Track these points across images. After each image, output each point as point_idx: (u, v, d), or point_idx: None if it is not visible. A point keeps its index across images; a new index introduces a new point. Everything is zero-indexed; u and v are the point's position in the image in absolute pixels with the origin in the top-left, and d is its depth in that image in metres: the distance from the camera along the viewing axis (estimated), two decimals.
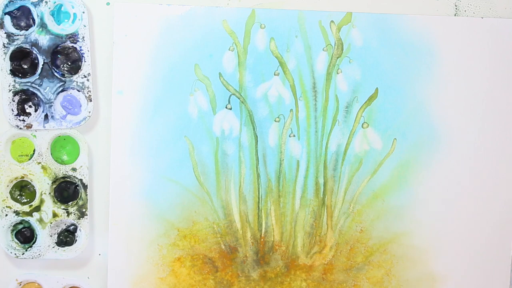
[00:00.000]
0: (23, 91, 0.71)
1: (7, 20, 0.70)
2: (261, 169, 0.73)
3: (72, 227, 0.73)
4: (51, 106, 0.71)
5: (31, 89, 0.71)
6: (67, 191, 0.73)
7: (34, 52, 0.71)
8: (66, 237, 0.73)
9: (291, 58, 0.72)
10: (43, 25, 0.71)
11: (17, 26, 0.71)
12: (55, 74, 0.71)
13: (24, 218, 0.72)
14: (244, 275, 0.74)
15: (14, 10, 0.71)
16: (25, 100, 0.72)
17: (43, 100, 0.71)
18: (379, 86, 0.72)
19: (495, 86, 0.73)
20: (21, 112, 0.72)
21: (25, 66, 0.72)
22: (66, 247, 0.73)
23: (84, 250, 0.72)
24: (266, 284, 0.74)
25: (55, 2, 0.71)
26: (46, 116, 0.71)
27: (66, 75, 0.72)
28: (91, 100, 0.71)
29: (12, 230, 0.73)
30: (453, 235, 0.74)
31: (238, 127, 0.72)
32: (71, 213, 0.72)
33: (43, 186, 0.72)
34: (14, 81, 0.71)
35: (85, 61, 0.71)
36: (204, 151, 0.72)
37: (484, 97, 0.73)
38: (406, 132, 0.73)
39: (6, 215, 0.72)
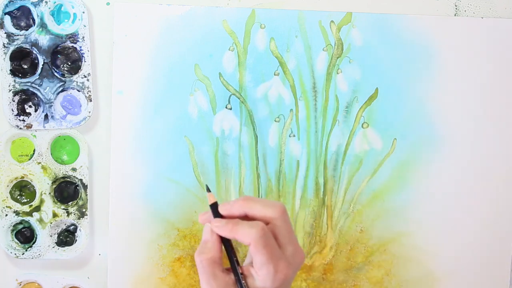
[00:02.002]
0: (23, 91, 0.71)
1: (7, 20, 0.71)
2: (261, 169, 0.73)
3: (72, 227, 0.73)
4: (51, 106, 0.71)
5: (31, 89, 0.71)
6: (67, 191, 0.73)
7: (34, 52, 0.71)
8: (66, 237, 0.73)
9: (291, 58, 0.72)
10: (43, 25, 0.71)
11: (17, 26, 0.71)
12: (55, 74, 0.71)
13: (24, 218, 0.72)
14: None
15: (14, 10, 0.71)
16: (25, 100, 0.72)
17: (43, 100, 0.71)
18: (379, 86, 0.72)
19: (495, 86, 0.73)
20: (21, 112, 0.72)
21: (25, 66, 0.72)
22: (66, 247, 0.73)
23: (84, 250, 0.72)
24: None
25: (55, 2, 0.71)
26: (46, 116, 0.71)
27: (66, 75, 0.72)
28: (91, 100, 0.71)
29: (12, 230, 0.73)
30: (453, 235, 0.74)
31: (238, 127, 0.72)
32: (71, 213, 0.72)
33: (43, 186, 0.72)
34: (14, 81, 0.71)
35: (85, 61, 0.71)
36: (204, 151, 0.72)
37: (484, 97, 0.73)
38: (406, 132, 0.73)
39: (6, 215, 0.72)
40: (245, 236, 0.53)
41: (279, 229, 0.54)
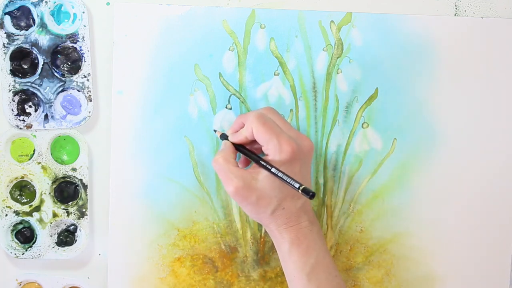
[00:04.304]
0: (23, 91, 0.71)
1: (7, 20, 0.71)
2: None
3: (72, 227, 0.73)
4: (51, 106, 0.71)
5: (31, 89, 0.71)
6: (67, 191, 0.73)
7: (34, 52, 0.71)
8: (66, 237, 0.73)
9: (291, 58, 0.72)
10: (43, 25, 0.71)
11: (17, 26, 0.71)
12: (55, 74, 0.71)
13: (24, 218, 0.72)
14: (244, 275, 0.74)
15: (14, 10, 0.71)
16: (25, 100, 0.72)
17: (43, 100, 0.71)
18: (379, 86, 0.72)
19: (495, 86, 0.73)
20: (21, 112, 0.72)
21: (25, 66, 0.72)
22: (66, 247, 0.73)
23: (84, 250, 0.72)
24: (266, 284, 0.74)
25: (55, 2, 0.71)
26: (46, 116, 0.71)
27: (66, 75, 0.72)
28: (91, 100, 0.71)
29: (12, 230, 0.73)
30: (453, 235, 0.74)
31: None
32: (71, 213, 0.72)
33: (43, 186, 0.72)
34: (14, 81, 0.71)
35: (85, 61, 0.71)
36: (204, 151, 0.72)
37: (484, 97, 0.73)
38: (406, 132, 0.73)
39: (6, 215, 0.72)
40: (247, 126, 0.64)
41: (274, 117, 0.65)
